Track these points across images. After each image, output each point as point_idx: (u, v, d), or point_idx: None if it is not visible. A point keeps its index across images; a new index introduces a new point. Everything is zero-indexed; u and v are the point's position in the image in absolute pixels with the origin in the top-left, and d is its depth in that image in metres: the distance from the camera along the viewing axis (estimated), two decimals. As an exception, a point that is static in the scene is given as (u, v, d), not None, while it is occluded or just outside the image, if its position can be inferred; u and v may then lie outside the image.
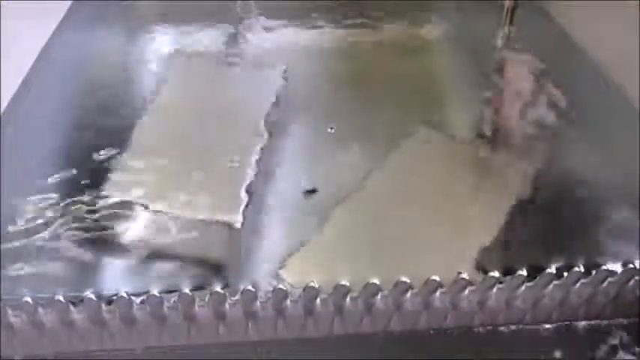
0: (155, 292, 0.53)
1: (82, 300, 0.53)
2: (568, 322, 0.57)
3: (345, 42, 1.03)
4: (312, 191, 0.72)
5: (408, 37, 1.05)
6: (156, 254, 0.65)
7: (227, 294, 0.54)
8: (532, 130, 0.83)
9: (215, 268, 0.64)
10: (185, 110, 0.88)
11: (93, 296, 0.53)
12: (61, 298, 0.53)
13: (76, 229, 0.67)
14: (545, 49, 0.98)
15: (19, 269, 0.62)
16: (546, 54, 0.97)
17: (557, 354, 0.55)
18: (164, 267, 0.63)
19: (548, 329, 0.57)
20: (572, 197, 0.72)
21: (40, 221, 0.68)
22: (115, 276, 0.63)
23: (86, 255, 0.64)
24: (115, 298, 0.53)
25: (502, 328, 0.57)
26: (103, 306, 0.54)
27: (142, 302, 0.53)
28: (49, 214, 0.69)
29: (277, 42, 1.03)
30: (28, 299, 0.53)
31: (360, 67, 0.97)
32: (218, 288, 0.54)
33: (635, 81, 0.80)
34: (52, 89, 0.92)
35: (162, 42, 1.04)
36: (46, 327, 0.54)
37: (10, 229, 0.67)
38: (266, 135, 0.81)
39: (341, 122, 0.84)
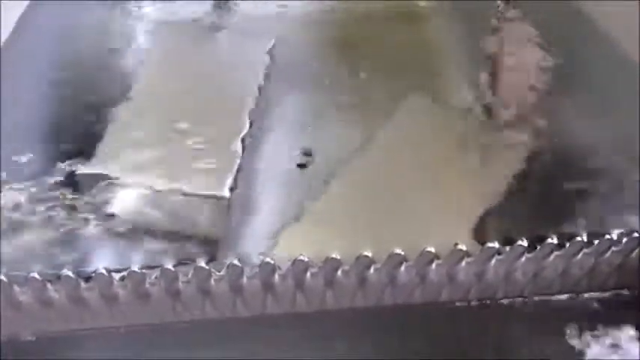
0: (136, 267, 0.51)
1: (59, 277, 0.51)
2: (570, 294, 0.55)
3: (336, 10, 1.00)
4: (305, 165, 0.70)
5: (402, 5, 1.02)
6: (140, 229, 0.62)
7: (212, 269, 0.51)
8: (530, 95, 0.80)
9: (203, 244, 0.61)
10: (172, 82, 0.84)
11: (70, 273, 0.50)
12: (37, 275, 0.50)
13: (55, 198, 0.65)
14: (545, 15, 0.95)
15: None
16: (545, 19, 0.94)
17: (560, 327, 0.52)
18: (148, 242, 0.61)
19: (549, 302, 0.54)
20: (572, 163, 0.70)
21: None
22: (96, 252, 0.60)
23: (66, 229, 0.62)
24: (93, 274, 0.51)
25: (501, 302, 0.55)
26: (82, 283, 0.51)
27: (123, 279, 0.51)
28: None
29: (266, 11, 1.00)
30: (3, 277, 0.50)
31: (352, 36, 0.94)
32: (202, 263, 0.51)
33: (635, 36, 0.78)
34: (31, 60, 0.89)
35: (148, 12, 1.00)
36: (23, 305, 0.51)
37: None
38: (256, 105, 0.78)
39: (334, 91, 0.81)
